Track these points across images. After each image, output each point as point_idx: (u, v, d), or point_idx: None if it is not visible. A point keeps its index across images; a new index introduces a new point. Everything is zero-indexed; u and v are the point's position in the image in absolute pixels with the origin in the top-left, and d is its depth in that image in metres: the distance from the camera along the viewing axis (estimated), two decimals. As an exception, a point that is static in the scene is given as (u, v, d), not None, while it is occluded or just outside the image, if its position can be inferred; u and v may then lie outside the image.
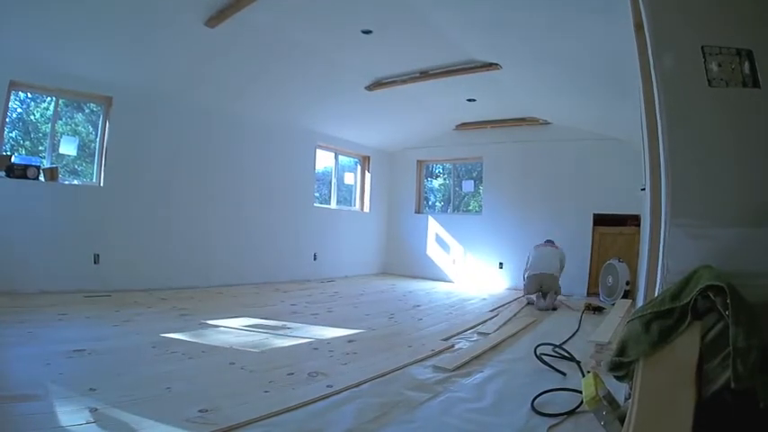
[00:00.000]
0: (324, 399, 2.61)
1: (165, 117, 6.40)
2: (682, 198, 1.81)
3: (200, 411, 2.30)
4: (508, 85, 6.76)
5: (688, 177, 1.82)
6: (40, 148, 5.92)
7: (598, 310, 6.06)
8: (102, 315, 4.44)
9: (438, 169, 11.19)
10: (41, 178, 5.42)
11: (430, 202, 10.94)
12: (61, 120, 6.05)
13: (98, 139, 5.97)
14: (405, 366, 3.34)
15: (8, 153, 5.33)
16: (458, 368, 3.32)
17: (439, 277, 9.57)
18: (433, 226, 9.86)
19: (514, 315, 5.66)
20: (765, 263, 1.69)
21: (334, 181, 9.56)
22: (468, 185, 10.22)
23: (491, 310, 5.98)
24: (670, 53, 1.87)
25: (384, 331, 4.55)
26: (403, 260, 10.24)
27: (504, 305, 6.48)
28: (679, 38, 1.88)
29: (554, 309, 6.21)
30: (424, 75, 6.51)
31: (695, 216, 1.79)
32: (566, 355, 3.77)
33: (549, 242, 6.95)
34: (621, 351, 1.69)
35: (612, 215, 7.72)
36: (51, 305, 4.67)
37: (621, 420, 1.78)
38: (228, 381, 2.84)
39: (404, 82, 6.73)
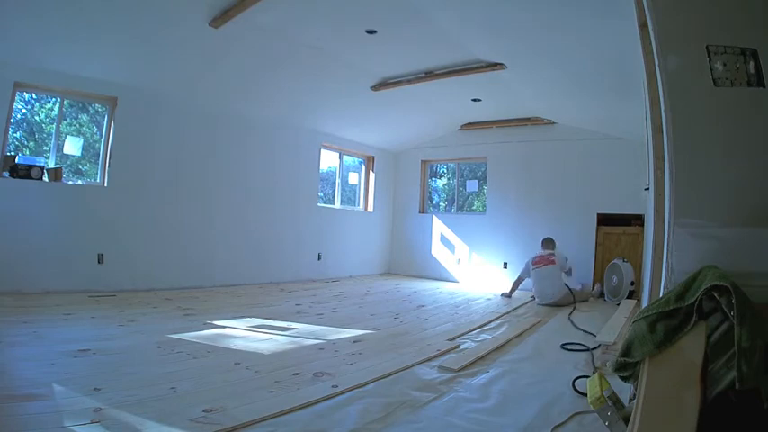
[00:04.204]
0: (329, 399, 2.61)
1: (169, 117, 6.41)
2: (686, 198, 1.81)
3: (204, 411, 2.30)
4: (513, 85, 6.75)
5: (692, 177, 1.82)
6: (45, 148, 5.95)
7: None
8: (107, 315, 4.45)
9: (442, 169, 11.20)
10: (45, 178, 5.44)
11: (434, 202, 10.94)
12: (66, 120, 6.07)
13: (103, 140, 5.98)
14: (410, 366, 3.34)
15: (12, 153, 5.34)
16: (463, 368, 3.32)
17: (443, 277, 9.56)
18: (438, 226, 9.85)
19: (516, 312, 5.65)
20: (771, 263, 1.68)
21: (338, 181, 9.56)
22: (472, 185, 10.23)
23: (496, 311, 5.97)
24: (675, 53, 1.86)
25: (389, 331, 4.55)
26: (407, 260, 10.24)
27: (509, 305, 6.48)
28: (684, 37, 1.87)
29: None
30: (430, 75, 6.51)
31: (699, 216, 1.78)
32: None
33: (548, 243, 6.92)
34: (626, 351, 1.69)
35: (616, 215, 7.70)
36: (56, 305, 4.69)
37: (626, 421, 1.77)
38: (233, 381, 2.84)
39: (409, 82, 6.73)
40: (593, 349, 3.88)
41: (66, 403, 2.30)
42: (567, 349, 3.97)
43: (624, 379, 1.81)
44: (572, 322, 5.13)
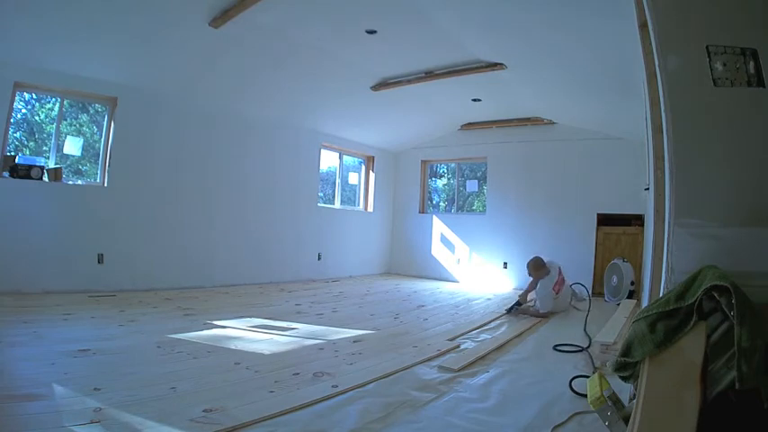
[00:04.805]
0: (329, 399, 2.61)
1: (169, 117, 6.41)
2: (686, 198, 1.81)
3: (204, 411, 2.31)
4: (513, 85, 6.75)
5: (692, 177, 1.82)
6: (45, 148, 5.95)
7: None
8: (107, 315, 4.45)
9: (442, 169, 11.20)
10: (45, 178, 5.44)
11: (434, 202, 10.94)
12: (66, 120, 6.06)
13: (102, 140, 5.98)
14: (410, 366, 3.34)
15: (12, 153, 5.34)
16: (463, 368, 3.32)
17: (444, 277, 9.56)
18: (438, 226, 9.84)
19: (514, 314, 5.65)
20: (771, 263, 1.68)
21: (338, 181, 9.56)
22: (472, 185, 10.22)
23: (496, 311, 5.97)
24: (675, 53, 1.86)
25: (389, 331, 4.54)
26: (407, 260, 10.24)
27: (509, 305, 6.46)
28: (684, 37, 1.87)
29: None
30: (430, 75, 6.50)
31: (699, 216, 1.78)
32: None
33: (538, 263, 6.19)
34: (627, 351, 1.69)
35: (616, 215, 7.70)
36: (56, 305, 4.69)
37: (626, 421, 1.77)
38: (233, 381, 2.84)
39: (409, 82, 6.72)
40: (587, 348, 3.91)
41: (66, 403, 2.30)
42: (561, 351, 3.99)
43: (624, 379, 1.81)
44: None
